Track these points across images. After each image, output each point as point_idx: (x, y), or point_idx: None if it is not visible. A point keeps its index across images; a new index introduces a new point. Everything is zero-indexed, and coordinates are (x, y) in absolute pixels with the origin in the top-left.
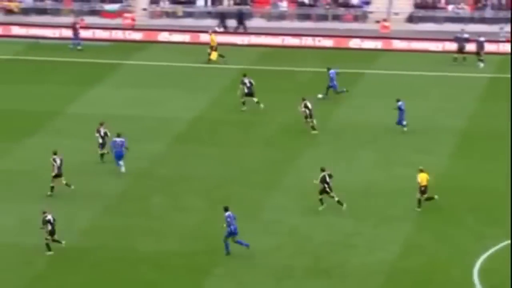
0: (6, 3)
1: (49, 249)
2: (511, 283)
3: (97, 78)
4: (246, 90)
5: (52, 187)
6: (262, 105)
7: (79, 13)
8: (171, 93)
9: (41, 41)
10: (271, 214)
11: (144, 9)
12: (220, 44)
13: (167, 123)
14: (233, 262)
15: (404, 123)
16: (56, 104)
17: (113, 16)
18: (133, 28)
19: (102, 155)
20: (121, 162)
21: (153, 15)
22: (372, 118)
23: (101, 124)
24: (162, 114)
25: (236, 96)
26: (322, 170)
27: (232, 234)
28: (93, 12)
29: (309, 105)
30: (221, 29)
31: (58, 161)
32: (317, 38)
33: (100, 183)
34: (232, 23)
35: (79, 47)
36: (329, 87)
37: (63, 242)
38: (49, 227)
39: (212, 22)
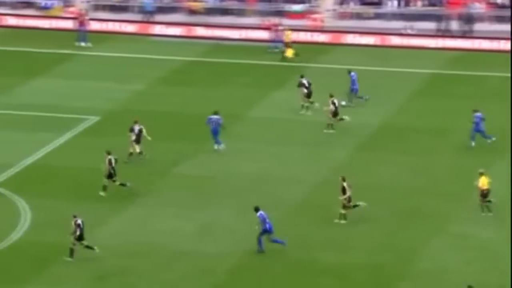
0: (191, 4)
1: (71, 255)
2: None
3: (280, 81)
4: (305, 91)
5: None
6: (317, 104)
7: (264, 13)
8: (356, 99)
9: (224, 42)
10: (461, 227)
11: (332, 10)
12: (412, 47)
13: (352, 129)
14: (421, 276)
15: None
16: (237, 107)
17: (298, 17)
18: (319, 30)
19: (131, 153)
20: (219, 140)
21: (340, 16)
22: None
23: (136, 122)
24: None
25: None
26: (343, 179)
27: (267, 231)
28: (278, 13)
29: (336, 102)
30: (413, 31)
31: (113, 161)
32: None
33: (281, 190)
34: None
35: (276, 50)
36: (351, 90)
37: (96, 248)
38: (78, 232)
39: (401, 24)
